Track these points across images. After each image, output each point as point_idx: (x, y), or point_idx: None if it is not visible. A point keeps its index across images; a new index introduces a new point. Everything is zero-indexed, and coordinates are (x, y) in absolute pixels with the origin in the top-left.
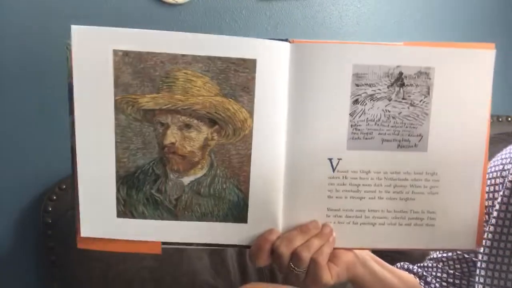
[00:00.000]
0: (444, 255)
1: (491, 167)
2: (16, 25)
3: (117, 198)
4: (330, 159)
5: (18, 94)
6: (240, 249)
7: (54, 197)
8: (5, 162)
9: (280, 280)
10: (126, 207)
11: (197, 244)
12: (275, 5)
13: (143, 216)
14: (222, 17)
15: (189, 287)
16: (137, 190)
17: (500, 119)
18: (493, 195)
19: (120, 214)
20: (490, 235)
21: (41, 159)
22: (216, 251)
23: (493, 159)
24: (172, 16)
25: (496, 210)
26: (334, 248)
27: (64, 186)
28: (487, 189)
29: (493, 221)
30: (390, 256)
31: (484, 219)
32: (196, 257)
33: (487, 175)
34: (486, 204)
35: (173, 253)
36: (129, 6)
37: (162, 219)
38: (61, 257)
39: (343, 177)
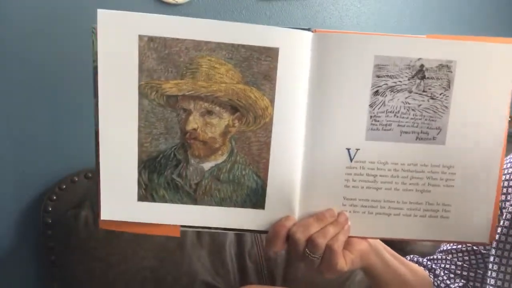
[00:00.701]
0: (454, 247)
1: (507, 163)
2: (17, 26)
3: (139, 182)
4: (348, 149)
5: (18, 94)
6: (240, 250)
7: (54, 197)
8: (5, 162)
9: (278, 282)
10: (147, 191)
11: (215, 228)
12: (275, 5)
13: (163, 200)
14: (222, 17)
15: (189, 287)
16: (159, 175)
17: None
18: (507, 190)
19: (141, 197)
20: (504, 230)
21: (41, 159)
22: (216, 251)
23: (510, 155)
24: None
25: (511, 205)
26: (349, 237)
27: (64, 186)
28: (501, 184)
29: (508, 216)
30: (401, 249)
31: (498, 213)
32: (196, 257)
33: (502, 171)
34: (501, 199)
35: (174, 253)
36: (129, 6)
37: (182, 203)
38: (61, 257)
39: (360, 167)
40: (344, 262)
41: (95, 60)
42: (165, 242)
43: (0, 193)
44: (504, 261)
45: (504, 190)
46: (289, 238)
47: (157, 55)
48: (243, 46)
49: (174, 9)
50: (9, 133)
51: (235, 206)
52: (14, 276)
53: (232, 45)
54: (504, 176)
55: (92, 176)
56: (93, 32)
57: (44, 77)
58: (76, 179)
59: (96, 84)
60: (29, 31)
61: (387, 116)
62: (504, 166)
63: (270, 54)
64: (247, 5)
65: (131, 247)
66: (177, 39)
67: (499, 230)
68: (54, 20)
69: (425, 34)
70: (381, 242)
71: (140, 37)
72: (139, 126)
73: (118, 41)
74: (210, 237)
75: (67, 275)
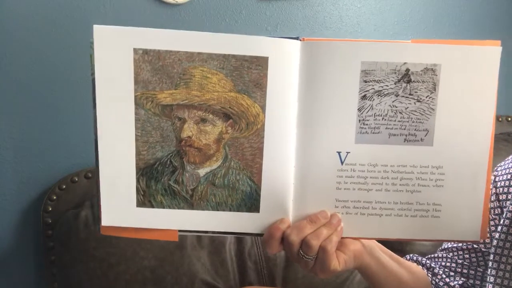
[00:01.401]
0: (455, 245)
1: (508, 163)
2: (21, 27)
3: (137, 189)
4: (339, 152)
5: (19, 94)
6: (240, 250)
7: (54, 197)
8: (5, 162)
9: (278, 282)
10: (146, 197)
11: (212, 232)
12: (275, 5)
13: (161, 205)
14: (222, 17)
15: (189, 287)
16: (156, 181)
17: (500, 119)
18: (508, 190)
19: (140, 203)
20: (504, 229)
21: (41, 159)
22: (216, 251)
23: None
24: (172, 16)
25: (511, 204)
26: (342, 238)
27: (64, 186)
28: (503, 183)
29: (509, 214)
30: (400, 250)
31: (498, 212)
32: (196, 257)
33: (504, 170)
34: (501, 198)
35: (174, 253)
36: (129, 6)
37: (179, 208)
38: (61, 257)
39: (351, 170)
40: (337, 262)
41: (93, 73)
42: (165, 242)
43: (0, 193)
44: (504, 259)
45: (506, 190)
46: (284, 240)
47: (152, 67)
48: (233, 56)
49: (174, 9)
50: (9, 133)
51: (230, 210)
52: (14, 276)
53: (223, 55)
54: (505, 176)
55: (92, 176)
56: (91, 47)
57: (44, 77)
58: (76, 179)
59: (94, 95)
60: (30, 32)
61: (375, 119)
62: (506, 166)
63: (260, 63)
64: (247, 5)
65: (131, 247)
66: (170, 51)
67: (499, 228)
68: (56, 21)
69: (426, 34)
70: (376, 242)
71: (135, 50)
72: (136, 135)
73: (114, 54)
74: (210, 238)
75: (67, 275)
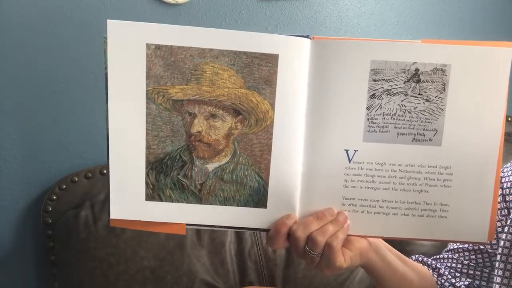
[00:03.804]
0: (460, 246)
1: None
2: (20, 27)
3: (146, 182)
4: (347, 150)
5: (19, 94)
6: (240, 250)
7: (54, 197)
8: (5, 162)
9: (278, 282)
10: (155, 191)
11: (219, 227)
12: (275, 5)
13: (170, 199)
14: (222, 17)
15: (189, 287)
16: (165, 175)
17: None
18: None
19: (149, 197)
20: (511, 229)
21: (41, 159)
22: (216, 251)
23: None
24: (172, 16)
25: None
26: (348, 235)
27: (64, 186)
28: (509, 184)
29: None
30: (401, 250)
31: (504, 213)
32: (196, 257)
33: (510, 171)
34: (507, 199)
35: (174, 253)
36: (129, 6)
37: (188, 202)
38: (61, 257)
39: (359, 168)
40: (343, 259)
41: (106, 68)
42: (165, 242)
43: (0, 193)
44: (511, 259)
45: None
46: (290, 236)
47: (164, 62)
48: (244, 53)
49: (174, 9)
50: (9, 133)
51: (238, 205)
52: (14, 276)
53: (234, 52)
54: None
55: (92, 176)
56: (105, 42)
57: (44, 77)
58: (76, 179)
59: (107, 89)
60: (30, 32)
61: (384, 118)
62: None
63: (270, 60)
64: (247, 5)
65: (131, 247)
66: (182, 47)
67: (506, 229)
68: (56, 21)
69: (426, 34)
70: (383, 241)
71: (148, 45)
72: (147, 129)
73: (127, 49)
74: (210, 237)
75: (67, 275)
